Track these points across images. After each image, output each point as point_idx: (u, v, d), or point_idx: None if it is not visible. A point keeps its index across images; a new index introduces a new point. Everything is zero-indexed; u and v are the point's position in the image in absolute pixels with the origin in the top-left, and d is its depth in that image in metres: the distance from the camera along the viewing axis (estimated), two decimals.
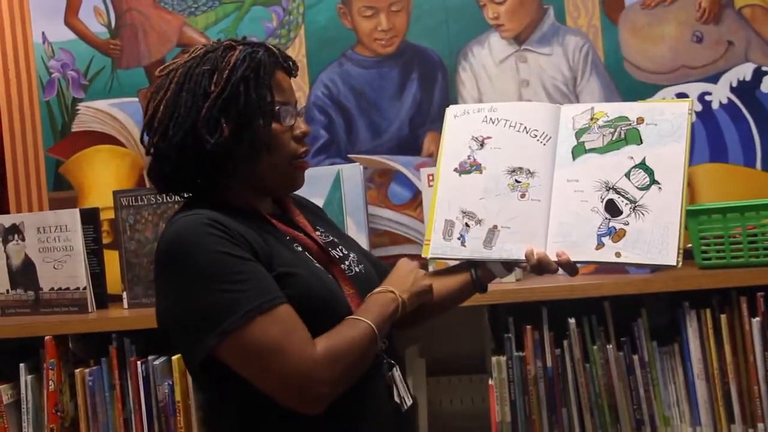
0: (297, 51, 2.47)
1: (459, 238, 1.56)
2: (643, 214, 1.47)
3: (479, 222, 1.55)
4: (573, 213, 1.51)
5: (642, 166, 1.50)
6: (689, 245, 2.07)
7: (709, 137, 2.30)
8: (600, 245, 1.48)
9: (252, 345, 1.23)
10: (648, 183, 1.49)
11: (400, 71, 2.43)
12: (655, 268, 1.48)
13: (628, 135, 1.51)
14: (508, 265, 1.56)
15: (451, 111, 1.65)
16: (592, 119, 1.55)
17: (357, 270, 1.48)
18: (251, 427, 1.33)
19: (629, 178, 1.50)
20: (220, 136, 1.31)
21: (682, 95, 2.30)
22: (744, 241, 2.01)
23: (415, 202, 2.41)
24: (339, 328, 1.31)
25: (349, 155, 2.44)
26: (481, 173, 1.57)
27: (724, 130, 2.30)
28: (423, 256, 1.60)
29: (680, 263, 1.45)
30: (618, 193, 1.50)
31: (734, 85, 2.29)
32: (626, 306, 2.02)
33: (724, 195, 2.24)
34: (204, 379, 1.38)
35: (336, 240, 1.52)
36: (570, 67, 2.36)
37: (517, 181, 1.55)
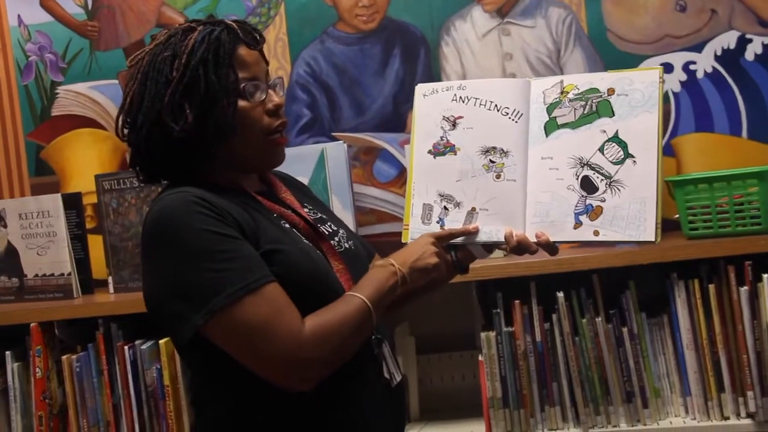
0: (277, 29, 2.44)
1: (438, 222, 1.54)
2: (618, 189, 1.45)
3: (458, 205, 1.54)
4: (549, 192, 1.49)
5: (615, 139, 1.47)
6: (676, 216, 2.07)
7: (695, 107, 2.29)
8: (578, 224, 1.46)
9: (239, 324, 1.23)
10: (622, 157, 1.45)
11: (382, 47, 2.41)
12: (636, 245, 1.46)
13: (599, 107, 1.49)
14: (488, 247, 1.54)
15: (419, 90, 1.61)
16: (562, 93, 1.52)
17: (347, 246, 1.47)
18: (240, 405, 1.32)
19: (603, 153, 1.47)
20: (185, 122, 1.30)
21: (666, 65, 2.29)
22: (731, 211, 2.00)
23: (400, 179, 2.40)
24: (331, 305, 1.30)
25: (333, 133, 2.42)
26: (455, 154, 1.55)
27: (710, 100, 2.29)
28: (402, 241, 1.58)
29: (659, 238, 1.43)
30: (593, 169, 1.47)
31: (718, 53, 2.28)
32: (614, 278, 2.02)
33: (711, 165, 2.24)
34: (193, 358, 1.37)
35: (324, 217, 1.51)
36: (553, 40, 2.34)
37: (491, 161, 1.52)
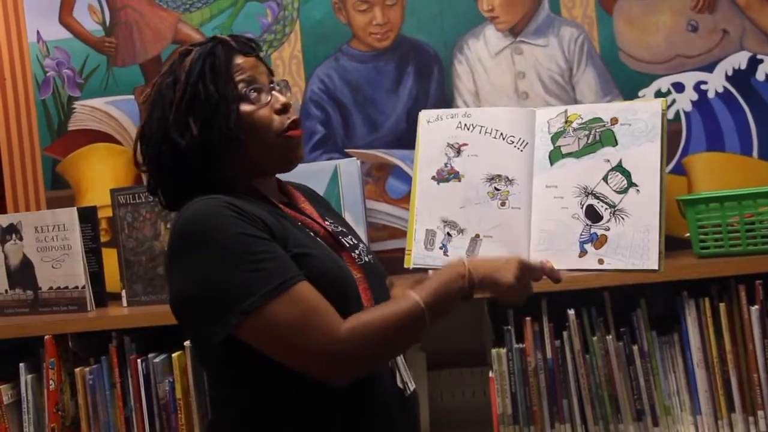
0: (292, 46, 2.47)
1: (441, 248, 1.55)
2: (622, 218, 1.45)
3: (461, 231, 1.54)
4: (554, 220, 1.49)
5: (619, 168, 1.48)
6: (687, 234, 2.07)
7: (706, 126, 2.30)
8: (583, 252, 1.47)
9: (275, 322, 1.25)
10: (626, 186, 1.47)
11: (396, 65, 2.43)
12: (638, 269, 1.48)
13: (603, 137, 1.50)
14: None
15: (423, 116, 1.62)
16: (566, 122, 1.53)
17: (366, 259, 1.48)
18: (257, 407, 1.34)
19: (607, 182, 1.48)
20: (190, 135, 1.34)
21: (678, 84, 2.30)
22: (742, 230, 2.01)
23: None
24: (383, 304, 1.32)
25: (347, 150, 2.44)
26: (459, 181, 1.56)
27: (721, 119, 2.30)
28: (405, 266, 1.59)
29: (662, 267, 1.44)
30: (597, 198, 1.48)
31: (730, 73, 2.29)
32: (625, 296, 2.03)
33: (722, 184, 2.25)
34: (214, 359, 1.38)
35: (345, 230, 1.52)
36: (566, 59, 2.36)
37: (496, 188, 1.53)
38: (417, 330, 1.32)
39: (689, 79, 2.31)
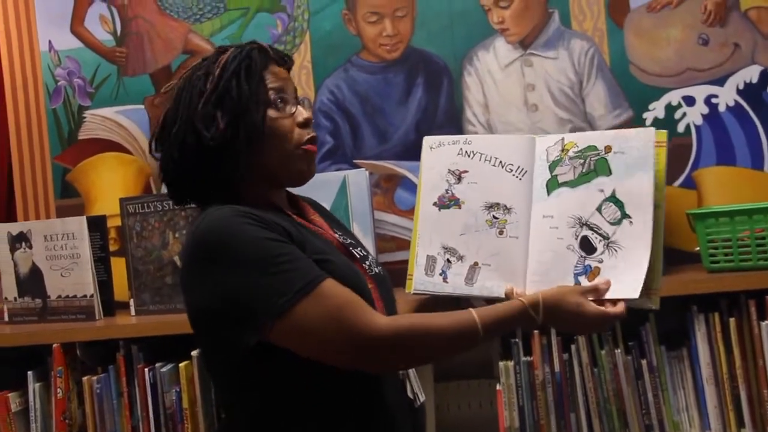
0: (302, 57, 2.47)
1: (441, 274, 1.56)
2: (616, 250, 1.44)
3: (460, 258, 1.54)
4: (550, 251, 1.49)
5: (612, 199, 1.46)
6: (697, 249, 2.07)
7: (717, 140, 2.29)
8: (577, 285, 1.46)
9: (310, 320, 1.25)
10: (619, 217, 1.45)
11: (406, 76, 2.43)
12: (636, 306, 1.48)
13: (597, 165, 1.48)
14: (490, 300, 1.55)
15: (426, 142, 1.63)
16: (563, 150, 1.52)
17: (376, 270, 1.49)
18: (272, 414, 1.34)
19: (601, 213, 1.47)
20: (216, 129, 1.34)
21: (688, 98, 2.29)
22: (752, 244, 2.00)
23: None
24: (440, 313, 1.35)
25: (355, 161, 2.44)
26: (459, 208, 1.56)
27: (732, 133, 2.29)
28: (406, 291, 1.60)
29: (656, 303, 1.44)
30: (591, 229, 1.47)
31: (741, 87, 2.28)
32: (634, 310, 2.01)
33: (732, 198, 2.24)
34: (229, 370, 1.37)
35: (354, 242, 1.53)
36: (576, 71, 2.36)
37: (494, 217, 1.53)
38: (465, 346, 1.35)
39: (700, 92, 2.30)
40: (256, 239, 1.27)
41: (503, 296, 1.48)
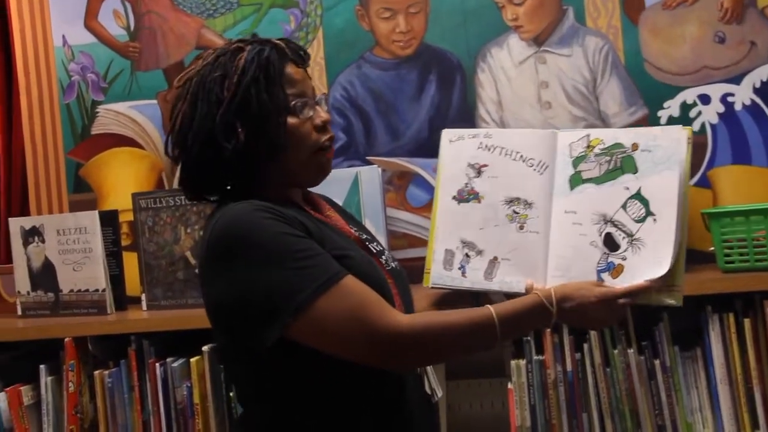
0: (315, 53, 2.47)
1: (459, 269, 1.55)
2: (639, 248, 1.44)
3: (480, 253, 1.54)
4: (572, 247, 1.48)
5: (638, 196, 1.47)
6: (711, 248, 2.05)
7: (732, 138, 2.27)
8: (599, 282, 1.46)
9: (330, 316, 1.25)
10: (644, 215, 1.45)
11: (419, 73, 2.42)
12: (657, 304, 1.48)
13: (623, 163, 1.48)
14: (509, 295, 1.55)
15: (446, 135, 1.62)
16: (588, 147, 1.52)
17: (393, 265, 1.49)
18: (284, 407, 1.35)
19: (626, 210, 1.48)
20: (237, 141, 1.32)
21: (704, 96, 2.28)
22: (767, 244, 1.98)
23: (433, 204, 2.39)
24: (455, 310, 1.34)
25: (368, 157, 2.43)
26: (479, 202, 1.55)
27: (747, 132, 2.27)
28: (424, 285, 1.59)
29: (680, 300, 1.43)
30: (615, 226, 1.47)
31: (757, 86, 2.26)
32: (647, 310, 2.00)
33: (747, 197, 2.22)
34: (248, 364, 1.37)
35: (369, 237, 1.52)
36: (590, 69, 2.34)
37: (515, 212, 1.53)
38: (484, 342, 1.35)
39: (716, 91, 2.28)
40: (277, 234, 1.27)
41: (523, 291, 1.47)
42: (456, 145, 1.60)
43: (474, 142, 1.58)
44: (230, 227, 1.29)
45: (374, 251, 1.46)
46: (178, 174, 1.43)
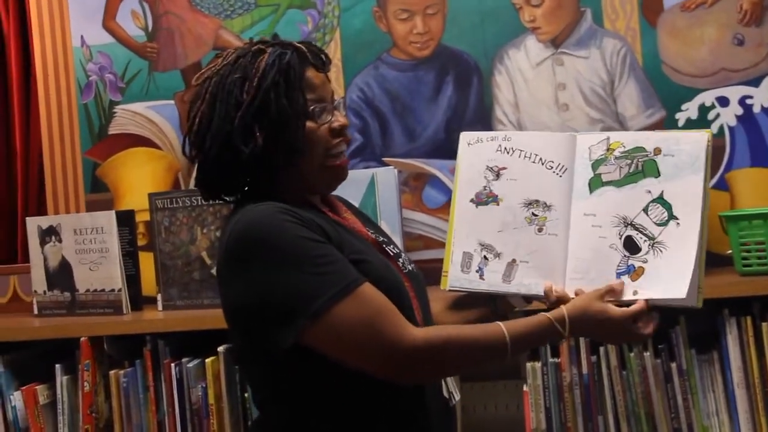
0: (332, 54, 2.47)
1: (477, 271, 1.54)
2: (661, 251, 1.43)
3: (498, 255, 1.53)
4: (591, 249, 1.48)
5: (660, 200, 1.45)
6: (729, 251, 2.04)
7: (750, 141, 2.26)
8: (617, 288, 1.45)
9: (346, 324, 1.25)
10: (666, 218, 1.44)
11: (436, 74, 2.42)
12: (677, 306, 1.48)
13: (645, 167, 1.47)
14: (527, 297, 1.55)
15: (464, 138, 1.62)
16: (608, 150, 1.51)
17: (410, 268, 1.48)
18: (301, 410, 1.34)
19: (647, 214, 1.46)
20: (255, 144, 1.32)
21: (722, 99, 2.26)
22: None
23: (449, 205, 2.36)
24: (471, 326, 1.36)
25: (384, 159, 2.43)
26: (497, 205, 1.55)
27: (766, 134, 2.25)
28: (441, 288, 1.58)
29: (701, 303, 1.43)
30: (636, 229, 1.46)
31: None
32: (664, 313, 1.97)
33: (766, 200, 2.20)
34: (266, 368, 1.36)
35: (386, 240, 1.52)
36: (607, 71, 2.33)
37: (534, 214, 1.52)
38: (495, 359, 1.37)
39: (734, 93, 2.27)
40: (296, 237, 1.26)
41: (541, 294, 1.47)
42: (474, 148, 1.59)
43: (493, 145, 1.58)
44: (250, 229, 1.29)
45: (391, 254, 1.45)
46: (194, 174, 1.43)
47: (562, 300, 1.47)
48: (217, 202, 1.45)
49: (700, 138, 1.45)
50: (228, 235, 1.32)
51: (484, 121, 2.38)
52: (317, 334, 1.25)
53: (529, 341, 1.38)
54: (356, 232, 1.42)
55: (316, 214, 1.37)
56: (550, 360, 2.02)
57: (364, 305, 1.26)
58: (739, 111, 2.26)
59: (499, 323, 1.34)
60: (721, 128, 2.27)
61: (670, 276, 1.41)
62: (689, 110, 2.28)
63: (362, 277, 1.28)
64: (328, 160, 1.38)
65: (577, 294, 1.45)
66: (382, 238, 1.50)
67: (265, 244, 1.27)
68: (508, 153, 1.56)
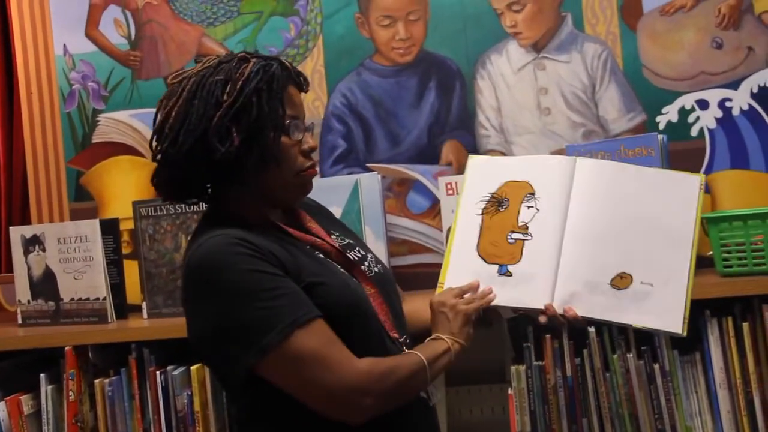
0: (315, 61, 2.48)
1: None
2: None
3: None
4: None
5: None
6: (710, 253, 2.05)
7: (730, 144, 2.28)
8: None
9: (293, 359, 1.26)
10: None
11: (418, 80, 2.43)
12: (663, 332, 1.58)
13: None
14: (516, 308, 1.57)
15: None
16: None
17: (376, 270, 1.49)
18: (285, 420, 1.35)
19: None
20: (230, 145, 1.32)
21: (702, 102, 2.28)
22: (766, 248, 1.98)
23: (433, 210, 2.40)
24: (396, 356, 1.38)
25: (368, 164, 2.44)
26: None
27: (745, 137, 2.27)
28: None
29: (685, 332, 1.51)
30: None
31: (755, 91, 2.27)
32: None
33: (746, 202, 2.22)
34: (241, 397, 1.39)
35: (352, 242, 1.53)
36: (589, 75, 2.35)
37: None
38: (423, 381, 1.39)
39: (713, 96, 2.29)
40: (246, 271, 1.28)
41: (530, 306, 1.53)
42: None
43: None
44: (204, 263, 1.30)
45: (354, 259, 1.46)
46: (154, 170, 1.43)
47: (551, 316, 1.50)
48: (174, 203, 1.46)
49: (694, 181, 1.60)
50: (186, 265, 1.34)
51: (466, 126, 2.40)
52: (267, 368, 1.28)
53: (436, 354, 1.41)
54: (317, 246, 1.42)
55: (275, 235, 1.37)
56: (535, 363, 2.03)
57: (311, 339, 1.27)
58: (719, 114, 2.28)
59: (415, 351, 1.40)
60: (701, 131, 2.29)
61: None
62: (669, 113, 2.30)
63: (315, 311, 1.30)
64: (296, 178, 1.40)
65: (565, 311, 1.49)
66: (347, 241, 1.51)
67: (217, 278, 1.28)
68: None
